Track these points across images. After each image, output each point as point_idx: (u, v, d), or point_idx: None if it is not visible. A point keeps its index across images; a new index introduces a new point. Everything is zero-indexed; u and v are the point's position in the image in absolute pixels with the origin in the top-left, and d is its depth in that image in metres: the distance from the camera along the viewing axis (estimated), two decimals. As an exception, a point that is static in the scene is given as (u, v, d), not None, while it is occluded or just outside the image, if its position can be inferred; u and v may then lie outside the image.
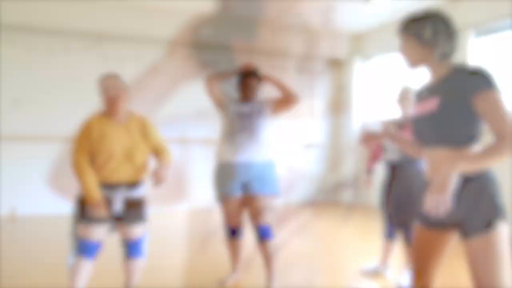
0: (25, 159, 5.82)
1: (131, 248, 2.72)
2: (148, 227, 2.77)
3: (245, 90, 3.19)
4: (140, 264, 2.76)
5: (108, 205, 2.58)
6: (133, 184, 2.65)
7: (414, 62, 1.80)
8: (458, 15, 5.39)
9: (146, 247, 2.78)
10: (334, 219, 6.13)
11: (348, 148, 7.42)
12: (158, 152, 2.71)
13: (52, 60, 5.94)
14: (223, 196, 3.10)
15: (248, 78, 3.18)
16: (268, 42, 6.86)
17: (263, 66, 7.22)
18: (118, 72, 2.81)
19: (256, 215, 3.04)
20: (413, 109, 1.97)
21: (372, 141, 2.06)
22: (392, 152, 3.25)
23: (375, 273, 3.47)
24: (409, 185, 3.08)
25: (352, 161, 7.31)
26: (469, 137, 1.67)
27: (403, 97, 3.28)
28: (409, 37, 1.77)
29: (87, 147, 2.54)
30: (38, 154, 5.88)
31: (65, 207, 4.76)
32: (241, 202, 3.11)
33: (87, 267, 2.57)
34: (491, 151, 1.56)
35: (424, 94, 1.83)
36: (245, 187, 3.07)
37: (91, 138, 2.54)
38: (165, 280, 3.31)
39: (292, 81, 7.14)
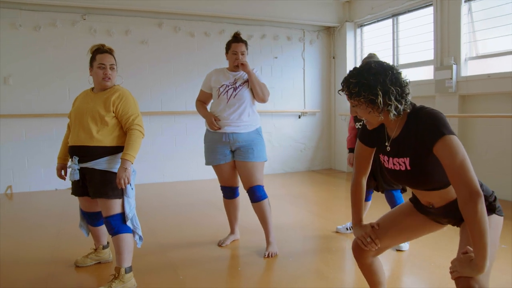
0: (18, 137, 5.82)
1: (106, 225, 2.62)
2: (130, 202, 2.62)
3: (232, 58, 3.25)
4: (123, 239, 2.57)
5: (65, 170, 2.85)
6: (92, 152, 2.56)
7: (373, 124, 1.73)
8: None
9: (131, 222, 2.63)
10: (328, 187, 6.22)
11: (340, 116, 7.45)
12: (123, 124, 2.61)
13: (40, 36, 5.83)
14: (213, 163, 3.30)
15: (235, 46, 3.23)
16: (259, 11, 6.77)
17: (255, 35, 7.16)
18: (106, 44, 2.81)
19: (246, 180, 3.22)
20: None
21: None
22: None
23: (348, 231, 3.72)
24: None
25: (345, 129, 7.35)
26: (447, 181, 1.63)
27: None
28: (361, 102, 1.65)
29: (71, 115, 2.74)
30: (31, 131, 5.86)
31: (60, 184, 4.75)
32: (233, 167, 3.31)
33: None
34: (480, 214, 1.47)
35: (381, 138, 1.79)
36: (234, 155, 3.26)
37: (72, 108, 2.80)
38: (168, 239, 3.40)
39: (284, 49, 7.11)
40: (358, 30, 7.33)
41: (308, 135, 7.63)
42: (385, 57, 6.69)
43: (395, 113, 1.63)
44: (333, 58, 7.64)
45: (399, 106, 1.62)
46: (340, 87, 1.71)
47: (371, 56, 3.43)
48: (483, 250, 1.45)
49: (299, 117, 7.52)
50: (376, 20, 6.88)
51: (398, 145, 1.71)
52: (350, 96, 1.67)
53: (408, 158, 1.66)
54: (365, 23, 7.18)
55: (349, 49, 7.32)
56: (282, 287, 2.66)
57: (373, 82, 1.60)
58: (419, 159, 1.64)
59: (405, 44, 6.43)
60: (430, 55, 5.85)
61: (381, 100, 1.60)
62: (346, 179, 6.76)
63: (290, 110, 7.41)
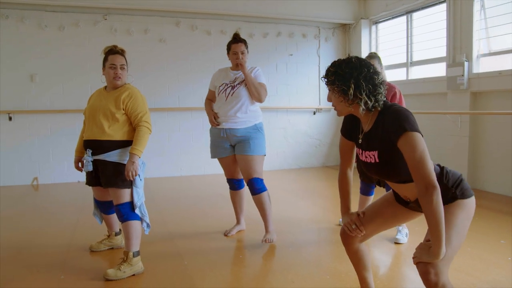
0: (44, 132, 6.15)
1: (116, 212, 2.84)
2: (139, 192, 2.81)
3: (233, 58, 3.42)
4: (131, 226, 2.78)
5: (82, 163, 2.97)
6: (103, 145, 2.77)
7: (342, 113, 1.85)
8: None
9: (139, 210, 2.82)
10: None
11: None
12: (132, 121, 2.82)
13: (64, 35, 6.13)
14: (216, 156, 3.55)
15: (235, 46, 3.40)
16: (274, 9, 6.90)
17: (271, 33, 7.25)
18: (126, 45, 3.03)
19: (245, 172, 3.40)
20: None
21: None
22: None
23: None
24: None
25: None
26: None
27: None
28: (335, 91, 1.78)
29: (85, 112, 2.96)
30: (56, 126, 6.19)
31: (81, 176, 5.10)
32: (234, 160, 3.52)
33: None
34: (435, 205, 1.59)
35: (357, 132, 1.91)
36: (234, 149, 3.47)
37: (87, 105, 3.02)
38: (177, 228, 3.61)
39: (299, 46, 7.20)
40: (373, 27, 7.37)
41: (323, 131, 7.73)
42: (399, 54, 6.73)
43: (364, 108, 1.76)
44: (349, 55, 7.63)
45: (368, 102, 1.74)
46: None
47: (372, 55, 3.53)
48: (438, 238, 1.60)
49: (314, 114, 7.63)
50: (391, 17, 6.91)
51: (369, 139, 1.83)
52: (326, 83, 1.82)
53: (376, 152, 1.79)
54: (380, 20, 7.22)
55: (364, 46, 7.36)
56: (278, 274, 2.82)
57: (347, 75, 1.73)
58: (385, 152, 1.76)
59: (419, 41, 6.45)
60: (443, 52, 5.87)
61: (352, 93, 1.73)
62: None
63: (305, 107, 7.53)
